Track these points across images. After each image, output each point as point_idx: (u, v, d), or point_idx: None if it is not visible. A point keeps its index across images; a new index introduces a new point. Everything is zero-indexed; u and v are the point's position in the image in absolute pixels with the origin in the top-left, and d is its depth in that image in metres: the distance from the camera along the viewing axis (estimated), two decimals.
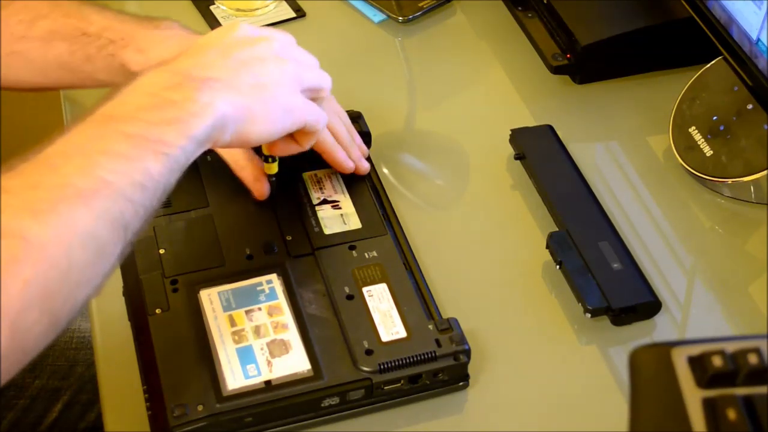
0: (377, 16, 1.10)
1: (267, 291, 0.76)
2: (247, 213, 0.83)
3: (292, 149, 0.79)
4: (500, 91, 1.02)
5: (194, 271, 0.77)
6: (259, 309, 0.75)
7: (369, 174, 0.87)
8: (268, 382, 0.70)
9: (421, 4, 1.10)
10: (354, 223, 0.82)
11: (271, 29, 0.78)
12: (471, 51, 1.07)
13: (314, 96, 0.77)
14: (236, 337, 0.73)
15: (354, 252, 0.79)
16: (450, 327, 0.74)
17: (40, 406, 0.97)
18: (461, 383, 0.74)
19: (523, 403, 0.75)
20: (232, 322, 0.74)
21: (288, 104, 0.74)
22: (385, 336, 0.73)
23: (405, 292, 0.76)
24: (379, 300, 0.76)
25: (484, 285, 0.83)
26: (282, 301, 0.75)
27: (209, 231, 0.81)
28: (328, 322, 0.74)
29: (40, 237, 0.58)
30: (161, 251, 0.79)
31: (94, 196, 0.61)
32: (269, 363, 0.71)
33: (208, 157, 0.85)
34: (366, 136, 0.89)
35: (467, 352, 0.73)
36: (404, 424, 0.73)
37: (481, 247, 0.86)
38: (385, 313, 0.75)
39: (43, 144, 0.64)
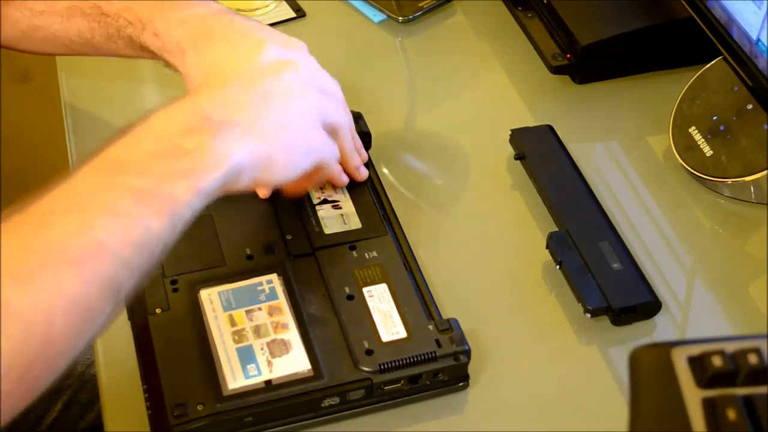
0: (377, 16, 1.10)
1: (267, 291, 0.76)
2: (247, 213, 0.83)
3: (305, 186, 0.80)
4: (500, 91, 1.02)
5: (194, 271, 0.77)
6: (260, 309, 0.75)
7: (369, 174, 0.87)
8: (268, 382, 0.70)
9: (421, 4, 1.10)
10: (354, 223, 0.82)
11: (295, 50, 0.76)
12: (471, 51, 1.07)
13: (331, 132, 0.76)
14: (236, 337, 0.73)
15: (354, 252, 0.79)
16: (450, 327, 0.74)
17: (40, 406, 0.97)
18: (461, 383, 0.74)
19: (523, 403, 0.75)
20: (233, 322, 0.74)
21: (308, 144, 0.72)
22: (386, 336, 0.73)
23: (405, 292, 0.76)
24: (380, 300, 0.76)
25: (484, 285, 0.83)
26: (282, 301, 0.75)
27: (209, 231, 0.81)
28: (328, 322, 0.74)
29: (19, 304, 0.55)
30: None
31: (85, 259, 0.58)
32: (269, 363, 0.71)
33: None
34: (366, 137, 0.89)
35: (467, 353, 0.73)
36: (404, 424, 0.73)
37: (481, 247, 0.86)
38: (385, 314, 0.75)
39: (45, 187, 0.60)
